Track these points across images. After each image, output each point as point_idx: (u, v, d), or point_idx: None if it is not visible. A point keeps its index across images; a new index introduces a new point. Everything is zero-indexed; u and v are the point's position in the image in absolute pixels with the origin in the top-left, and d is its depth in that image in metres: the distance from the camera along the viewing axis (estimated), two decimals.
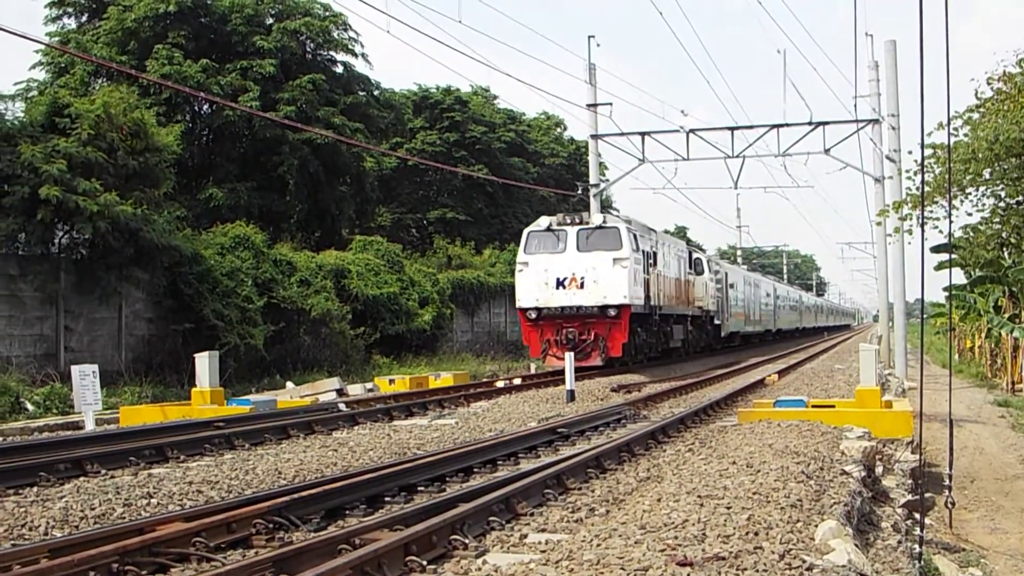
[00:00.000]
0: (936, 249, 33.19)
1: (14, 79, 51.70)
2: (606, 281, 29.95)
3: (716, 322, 47.19)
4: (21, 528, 9.22)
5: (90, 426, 18.24)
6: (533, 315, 30.67)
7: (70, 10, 39.58)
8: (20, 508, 9.91)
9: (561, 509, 9.83)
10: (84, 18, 39.87)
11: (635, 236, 31.30)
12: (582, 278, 30.12)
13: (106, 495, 10.56)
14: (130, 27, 36.85)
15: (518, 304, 31.29)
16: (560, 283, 30.28)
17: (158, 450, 13.72)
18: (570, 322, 30.35)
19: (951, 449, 13.53)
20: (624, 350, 31.07)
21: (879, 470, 13.87)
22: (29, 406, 21.76)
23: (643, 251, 32.21)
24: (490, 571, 7.40)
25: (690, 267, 41.62)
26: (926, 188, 24.08)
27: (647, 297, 32.38)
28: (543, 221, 31.33)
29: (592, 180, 42.03)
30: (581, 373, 27.33)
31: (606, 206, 50.77)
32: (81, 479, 11.96)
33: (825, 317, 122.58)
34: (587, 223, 30.67)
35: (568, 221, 30.83)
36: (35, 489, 11.30)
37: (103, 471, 12.42)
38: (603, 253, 30.09)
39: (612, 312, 29.80)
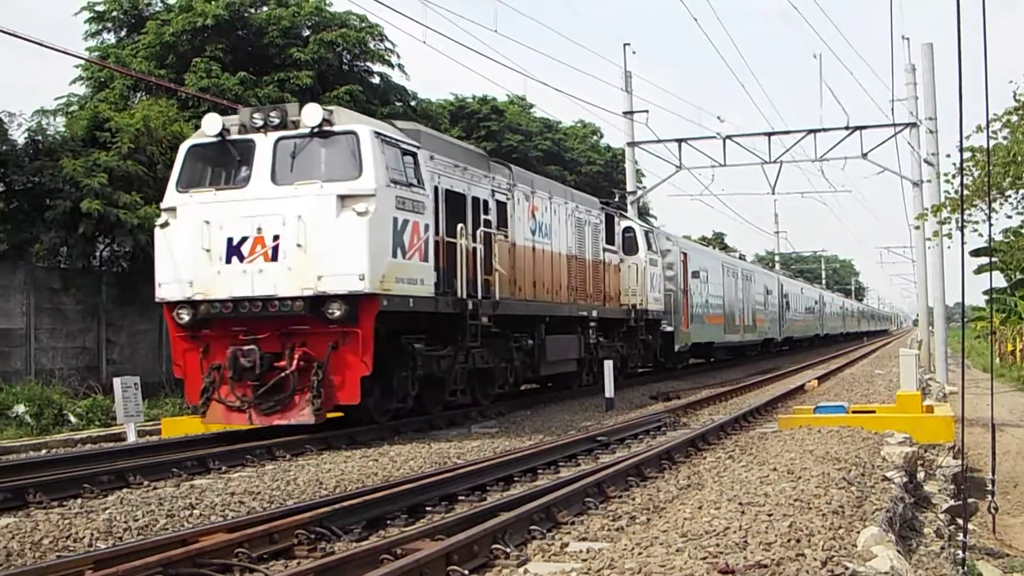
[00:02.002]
0: (976, 253, 33.03)
1: (55, 94, 52.24)
2: (323, 244, 15.65)
3: (668, 328, 33.18)
4: (66, 540, 9.29)
5: (132, 438, 18.36)
6: (185, 316, 16.36)
7: (109, 25, 39.92)
8: (64, 520, 9.99)
9: (602, 517, 9.82)
10: (123, 33, 40.16)
11: (403, 154, 17.00)
12: (275, 239, 15.83)
13: (149, 506, 10.63)
14: (168, 41, 37.11)
15: (158, 294, 16.78)
16: (235, 249, 16.03)
17: (200, 461, 13.79)
18: (253, 330, 15.94)
19: (993, 454, 13.45)
20: (372, 389, 16.79)
21: (921, 475, 13.82)
22: (72, 418, 21.92)
23: (443, 190, 18.39)
24: None
25: (609, 241, 28.26)
26: (965, 191, 23.95)
27: (449, 281, 18.30)
28: (212, 123, 16.78)
29: (629, 187, 42.02)
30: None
31: (643, 213, 50.28)
32: (124, 491, 12.04)
33: (857, 322, 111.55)
34: (295, 122, 16.34)
35: (259, 123, 16.46)
36: (79, 501, 11.39)
37: (146, 482, 12.50)
38: (320, 187, 15.93)
39: (336, 311, 15.52)
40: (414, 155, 17.38)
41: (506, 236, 21.06)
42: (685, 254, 37.18)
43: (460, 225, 18.67)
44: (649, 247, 31.20)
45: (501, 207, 21.00)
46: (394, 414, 18.07)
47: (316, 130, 16.24)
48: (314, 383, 15.55)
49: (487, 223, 20.00)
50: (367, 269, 15.56)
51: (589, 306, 25.92)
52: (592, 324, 26.17)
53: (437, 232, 17.90)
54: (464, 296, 18.67)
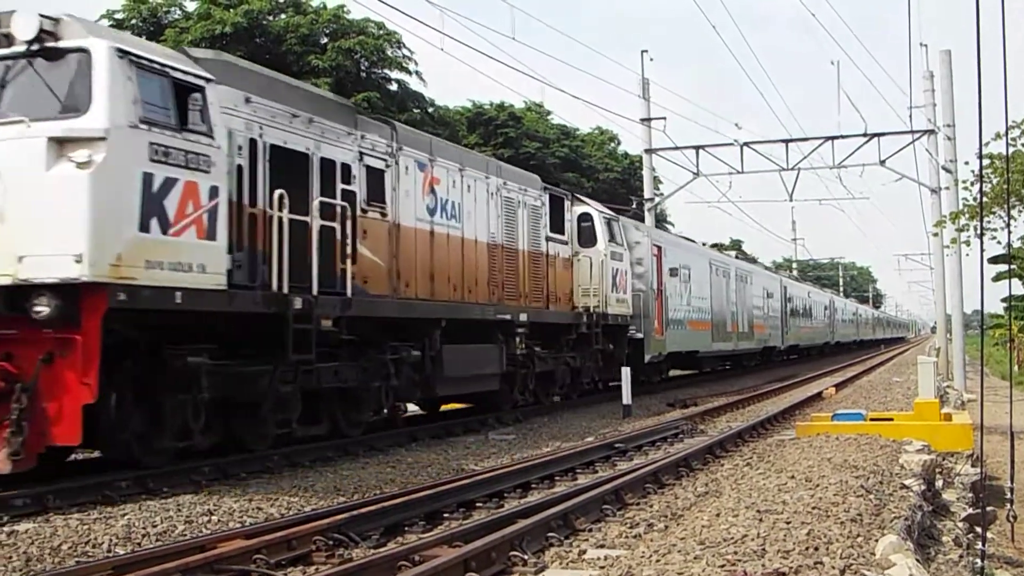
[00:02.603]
0: (994, 260, 32.88)
1: None
2: (28, 211, 10.87)
3: (637, 335, 27.80)
4: (85, 545, 9.33)
5: None
6: None
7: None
8: (83, 525, 10.02)
9: (619, 524, 9.81)
10: None
11: (176, 88, 11.98)
12: None
13: (167, 512, 10.66)
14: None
15: None
16: None
17: (218, 467, 13.80)
18: None
19: (1012, 461, 13.38)
20: (127, 421, 12.22)
21: (939, 484, 13.78)
22: None
23: (266, 145, 13.79)
24: None
25: (557, 229, 23.51)
26: (984, 198, 23.88)
27: (262, 268, 13.52)
28: None
29: (647, 194, 42.00)
30: None
31: (661, 220, 50.08)
32: (143, 497, 12.06)
33: (872, 329, 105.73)
34: (8, 36, 11.42)
35: None
36: (98, 507, 11.41)
37: (164, 489, 12.51)
38: (27, 127, 11.02)
39: (42, 308, 10.74)
40: (200, 90, 12.33)
41: (383, 214, 16.44)
42: (659, 247, 31.12)
43: (278, 192, 13.47)
44: (612, 238, 25.87)
45: (375, 175, 16.26)
46: (181, 454, 13.20)
47: (34, 47, 11.34)
48: (15, 414, 10.69)
49: (347, 194, 15.32)
50: (87, 246, 10.73)
51: (517, 308, 20.78)
52: (520, 330, 20.95)
53: (252, 203, 13.45)
54: (284, 291, 13.54)
